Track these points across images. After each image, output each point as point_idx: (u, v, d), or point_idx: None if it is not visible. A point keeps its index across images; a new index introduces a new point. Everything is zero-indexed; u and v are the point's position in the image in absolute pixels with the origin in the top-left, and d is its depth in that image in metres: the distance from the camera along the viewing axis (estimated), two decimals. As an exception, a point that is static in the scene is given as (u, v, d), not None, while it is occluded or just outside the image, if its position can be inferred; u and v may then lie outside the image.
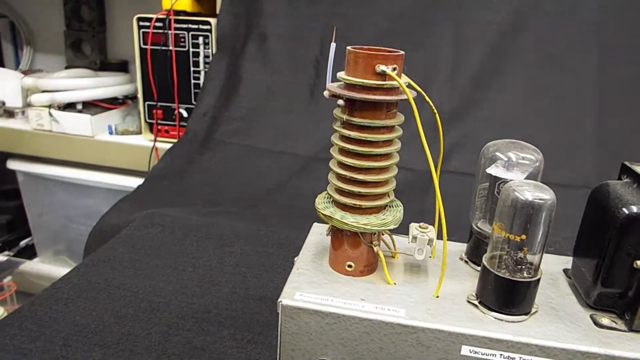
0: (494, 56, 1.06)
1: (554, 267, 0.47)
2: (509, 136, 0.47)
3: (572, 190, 0.84)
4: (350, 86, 0.39)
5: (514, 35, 1.05)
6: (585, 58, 1.02)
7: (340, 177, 0.42)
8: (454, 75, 1.07)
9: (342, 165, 0.42)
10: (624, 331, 0.38)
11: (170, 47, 1.17)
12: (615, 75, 1.01)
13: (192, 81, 1.19)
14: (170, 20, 1.14)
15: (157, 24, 1.16)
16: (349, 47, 0.39)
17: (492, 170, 0.44)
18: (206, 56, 1.17)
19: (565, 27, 1.03)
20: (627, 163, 0.43)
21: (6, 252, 1.47)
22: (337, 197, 0.42)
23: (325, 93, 0.40)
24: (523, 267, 0.39)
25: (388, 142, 0.41)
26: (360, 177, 0.41)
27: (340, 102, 0.40)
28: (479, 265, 0.42)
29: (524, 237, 0.38)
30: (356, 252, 0.43)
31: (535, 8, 1.04)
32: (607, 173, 0.96)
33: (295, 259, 0.46)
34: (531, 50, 1.04)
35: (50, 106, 1.24)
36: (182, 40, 1.17)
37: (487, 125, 1.02)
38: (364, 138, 0.40)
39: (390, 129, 0.41)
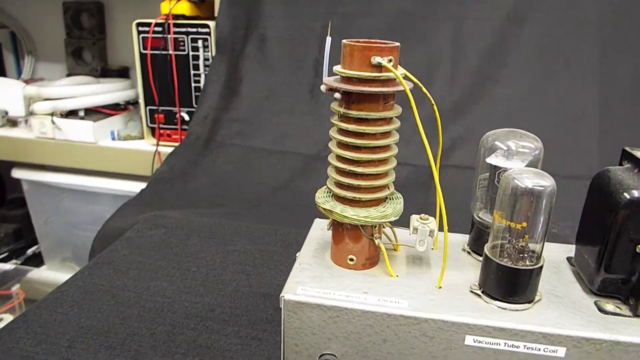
0: (494, 50, 1.06)
1: (557, 255, 0.47)
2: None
3: (576, 182, 0.84)
4: (346, 79, 0.39)
5: (515, 29, 1.05)
6: (587, 51, 1.01)
7: (339, 171, 0.42)
8: (455, 70, 1.06)
9: (340, 158, 0.42)
10: (629, 316, 0.38)
11: (170, 52, 1.17)
12: (618, 67, 1.01)
13: (193, 84, 1.19)
14: (169, 24, 1.15)
15: (157, 29, 1.16)
16: (344, 40, 0.39)
17: (492, 160, 0.44)
18: (206, 59, 1.17)
19: (565, 20, 1.02)
20: (627, 148, 0.43)
21: (14, 261, 1.47)
22: (337, 190, 0.42)
23: (322, 87, 0.41)
24: (525, 255, 0.39)
25: (386, 134, 0.41)
26: (359, 169, 0.41)
27: (337, 95, 0.40)
28: (481, 256, 0.42)
29: (525, 224, 0.38)
30: (357, 246, 0.43)
31: (534, 1, 1.04)
32: (611, 164, 0.96)
33: (297, 254, 0.46)
34: (532, 43, 1.04)
35: (52, 114, 1.25)
36: (182, 44, 1.17)
37: (489, 119, 1.02)
38: (361, 130, 0.40)
39: (387, 120, 0.41)
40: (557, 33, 1.03)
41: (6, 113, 1.34)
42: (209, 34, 1.15)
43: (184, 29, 1.16)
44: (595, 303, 0.40)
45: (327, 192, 0.44)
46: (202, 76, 1.18)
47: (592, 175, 0.43)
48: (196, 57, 1.17)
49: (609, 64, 1.00)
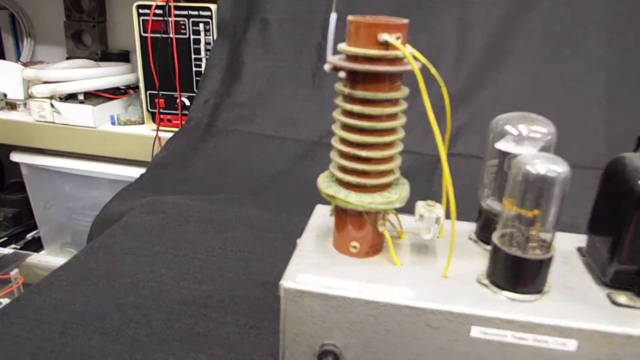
0: (501, 36, 1.04)
1: (567, 245, 0.45)
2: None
3: (582, 170, 0.82)
4: (352, 58, 0.37)
5: (521, 15, 1.02)
6: (595, 36, 0.99)
7: (343, 154, 0.40)
8: (460, 56, 1.04)
9: (344, 141, 0.40)
10: (643, 309, 0.37)
11: (171, 35, 1.15)
12: (626, 54, 0.98)
13: (194, 69, 1.18)
14: (170, 7, 1.13)
15: (157, 12, 1.14)
16: (350, 17, 0.37)
17: (502, 145, 0.42)
18: (207, 43, 1.15)
19: (573, 5, 1.00)
20: (643, 135, 0.41)
21: (13, 245, 1.47)
22: (340, 175, 0.41)
23: (326, 66, 0.39)
24: (535, 244, 0.37)
25: (392, 117, 0.39)
26: (364, 153, 0.39)
27: (342, 74, 0.38)
28: (488, 245, 0.40)
29: (536, 212, 0.36)
30: (361, 233, 0.41)
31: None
32: (618, 152, 0.94)
33: (298, 240, 0.44)
34: (539, 29, 1.02)
35: (51, 97, 1.23)
36: (183, 27, 1.15)
37: (495, 106, 1.00)
38: (367, 112, 0.38)
39: (394, 102, 0.39)
40: (565, 18, 1.01)
41: (5, 96, 1.32)
42: (210, 17, 1.13)
43: (185, 12, 1.14)
44: (608, 295, 0.38)
45: (330, 176, 0.43)
46: (204, 60, 1.16)
47: (600, 163, 0.41)
48: (197, 41, 1.15)
49: (617, 50, 0.98)
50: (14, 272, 1.22)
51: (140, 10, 1.15)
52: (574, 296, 0.38)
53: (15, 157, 1.35)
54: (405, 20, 0.37)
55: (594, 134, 0.95)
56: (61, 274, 0.56)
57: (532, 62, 1.02)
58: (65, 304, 0.51)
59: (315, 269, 0.40)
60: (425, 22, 1.05)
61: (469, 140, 0.98)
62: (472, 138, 0.97)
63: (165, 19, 1.14)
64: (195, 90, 1.17)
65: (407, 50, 0.36)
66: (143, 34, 1.17)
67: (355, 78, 0.38)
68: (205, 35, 1.15)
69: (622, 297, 0.38)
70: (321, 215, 0.49)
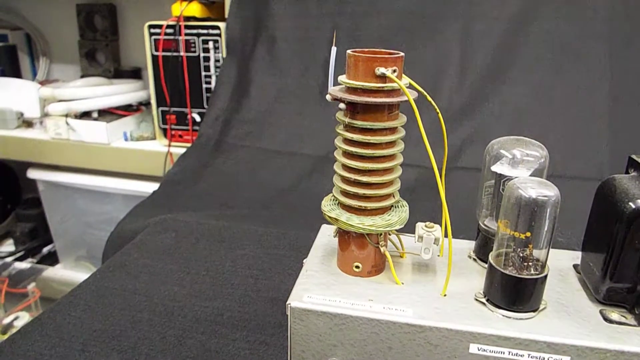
0: (504, 49, 1.05)
1: (564, 262, 0.47)
2: (520, 130, 0.47)
3: (586, 183, 0.83)
4: (351, 89, 0.40)
5: (523, 28, 1.04)
6: (597, 49, 1.00)
7: (345, 180, 0.42)
8: (464, 69, 1.06)
9: (346, 167, 0.42)
10: (634, 326, 0.38)
11: (181, 53, 1.18)
12: (629, 65, 0.99)
13: (204, 85, 1.21)
14: (180, 26, 1.16)
15: (168, 31, 1.17)
16: (349, 51, 0.39)
17: (497, 168, 0.44)
18: (217, 60, 1.18)
19: (575, 17, 1.02)
20: (634, 156, 0.42)
21: (30, 259, 1.50)
22: (342, 199, 0.43)
23: (327, 97, 0.41)
24: (530, 264, 0.39)
25: (391, 144, 0.41)
26: (364, 179, 0.41)
27: (342, 105, 0.40)
28: (486, 263, 0.42)
29: (529, 234, 0.38)
30: (363, 253, 0.43)
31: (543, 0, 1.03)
32: (621, 164, 0.95)
33: (304, 260, 0.46)
34: (541, 42, 1.03)
35: (67, 115, 1.27)
36: (193, 45, 1.18)
37: (499, 119, 1.01)
38: (366, 140, 0.40)
39: (392, 130, 0.41)
40: (567, 30, 1.02)
41: (22, 114, 1.36)
42: (219, 35, 1.16)
43: (194, 31, 1.17)
44: (601, 312, 0.40)
45: (333, 200, 0.45)
46: (213, 77, 1.19)
47: (603, 176, 0.42)
48: (207, 59, 1.18)
49: (620, 62, 0.99)
50: (31, 286, 1.25)
51: (152, 30, 1.19)
52: (568, 313, 0.40)
53: (32, 173, 1.39)
54: (401, 54, 0.39)
55: (597, 145, 0.96)
56: (79, 292, 0.59)
57: (535, 74, 1.03)
58: (84, 321, 0.53)
59: (320, 288, 0.42)
60: (429, 36, 1.06)
61: (473, 153, 0.99)
62: (477, 151, 0.99)
63: (176, 37, 1.18)
64: (205, 106, 1.20)
65: (404, 82, 0.39)
66: (154, 52, 1.20)
67: (355, 108, 0.40)
68: (215, 53, 1.18)
69: (614, 314, 0.39)
70: (326, 235, 0.51)
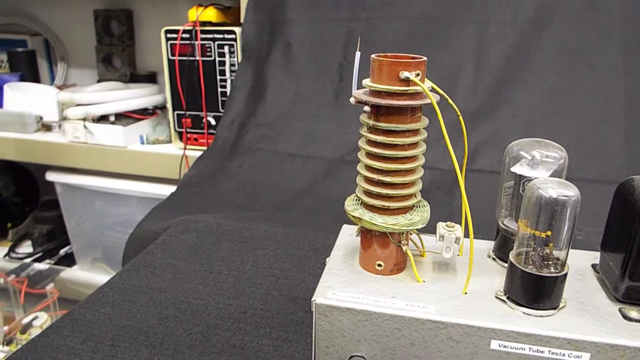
0: (518, 54, 1.06)
1: (582, 262, 0.47)
2: (535, 133, 0.48)
3: (603, 186, 0.84)
4: (375, 93, 0.41)
5: (537, 32, 1.05)
6: (611, 52, 1.01)
7: (368, 180, 0.44)
8: (478, 74, 1.07)
9: (369, 168, 0.43)
10: (653, 323, 0.39)
11: (197, 57, 1.20)
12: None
13: (219, 89, 1.22)
14: (196, 31, 1.18)
15: (184, 36, 1.19)
16: (373, 56, 0.41)
17: (517, 169, 0.45)
18: (232, 65, 1.20)
19: (589, 21, 1.02)
20: (652, 158, 0.43)
21: (48, 261, 1.53)
22: (366, 199, 0.44)
23: (352, 100, 0.42)
24: (550, 262, 0.40)
25: (413, 145, 0.43)
26: (388, 179, 0.43)
27: (367, 108, 0.42)
28: (506, 262, 0.43)
29: (549, 233, 0.39)
30: (385, 252, 0.45)
31: (557, 3, 1.04)
32: (638, 167, 0.95)
33: (327, 259, 0.48)
34: (555, 46, 1.04)
35: (84, 119, 1.29)
36: (209, 50, 1.20)
37: (513, 123, 1.02)
38: (390, 142, 0.42)
39: (415, 132, 0.42)
40: (581, 35, 1.03)
41: (41, 118, 1.39)
42: (235, 40, 1.18)
43: (210, 36, 1.19)
44: (620, 310, 0.40)
45: (356, 200, 0.46)
46: (229, 81, 1.21)
47: (619, 179, 0.43)
48: (222, 63, 1.20)
49: (634, 66, 1.00)
50: (49, 287, 1.27)
51: (168, 35, 1.21)
52: (588, 311, 0.40)
53: (51, 176, 1.41)
54: (424, 58, 0.40)
55: (613, 148, 0.97)
56: (107, 290, 0.60)
57: (549, 78, 1.04)
58: (113, 318, 0.55)
59: (343, 286, 0.44)
60: (443, 41, 1.08)
61: (488, 156, 1.00)
62: (492, 154, 1.00)
63: (192, 42, 1.20)
64: (220, 110, 1.22)
65: (426, 86, 0.40)
66: (171, 57, 1.22)
67: (379, 111, 0.41)
68: (230, 57, 1.20)
69: (633, 312, 0.40)
70: (347, 235, 0.52)
